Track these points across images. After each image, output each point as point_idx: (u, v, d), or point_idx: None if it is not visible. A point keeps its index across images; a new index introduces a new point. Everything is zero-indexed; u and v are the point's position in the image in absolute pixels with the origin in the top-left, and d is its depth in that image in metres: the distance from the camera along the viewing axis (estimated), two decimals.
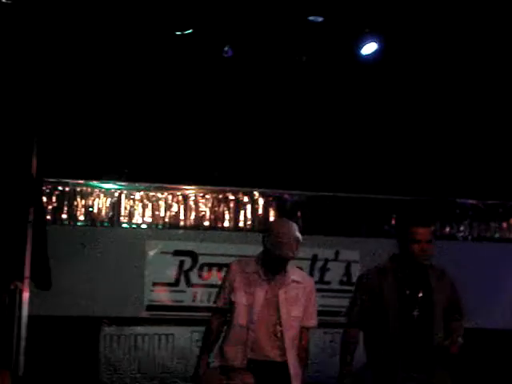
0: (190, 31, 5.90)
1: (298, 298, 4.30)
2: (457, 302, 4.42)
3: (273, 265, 4.28)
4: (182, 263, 7.17)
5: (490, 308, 7.07)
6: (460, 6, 5.62)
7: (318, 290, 7.30)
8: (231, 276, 4.35)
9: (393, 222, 7.54)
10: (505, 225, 7.78)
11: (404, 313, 4.24)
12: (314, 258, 7.40)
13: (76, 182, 7.06)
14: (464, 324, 4.40)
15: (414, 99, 6.72)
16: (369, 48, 6.20)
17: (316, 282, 7.35)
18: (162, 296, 7.08)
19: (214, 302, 4.54)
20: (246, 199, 7.45)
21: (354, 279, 7.47)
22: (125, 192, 7.16)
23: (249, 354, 4.21)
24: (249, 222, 7.44)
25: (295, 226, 4.33)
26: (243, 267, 4.37)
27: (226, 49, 6.05)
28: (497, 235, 7.78)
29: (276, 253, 4.22)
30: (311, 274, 7.34)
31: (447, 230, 7.63)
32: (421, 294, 4.27)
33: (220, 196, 7.40)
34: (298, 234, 4.28)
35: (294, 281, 4.33)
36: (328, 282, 7.42)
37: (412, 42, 6.07)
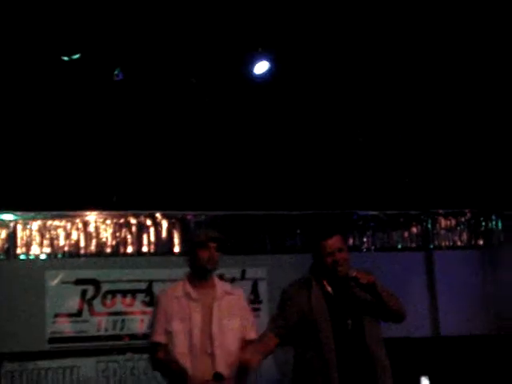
0: (77, 56, 5.75)
1: (233, 310, 4.24)
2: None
3: (200, 280, 4.24)
4: (84, 292, 7.01)
5: None
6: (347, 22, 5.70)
7: None
8: (162, 306, 4.23)
9: (297, 237, 7.58)
10: (406, 234, 7.93)
11: (337, 324, 4.17)
12: (220, 278, 7.32)
13: None
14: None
15: (309, 114, 6.76)
16: (261, 67, 6.18)
17: None
18: (65, 327, 6.88)
19: (147, 339, 4.38)
20: (148, 222, 7.35)
21: (262, 297, 7.52)
22: (20, 222, 6.94)
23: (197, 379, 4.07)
24: (152, 246, 7.33)
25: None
26: (171, 294, 4.27)
27: (116, 72, 5.92)
28: (399, 245, 7.92)
29: (203, 264, 4.19)
30: None
31: (350, 241, 7.70)
32: (351, 301, 4.19)
33: (121, 220, 7.27)
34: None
35: (225, 292, 4.30)
36: None
37: (303, 60, 6.10)
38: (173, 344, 4.12)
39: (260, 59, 6.16)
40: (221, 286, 4.33)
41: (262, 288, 7.41)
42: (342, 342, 4.08)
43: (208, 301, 4.19)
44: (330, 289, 4.20)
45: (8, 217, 6.92)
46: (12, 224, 6.91)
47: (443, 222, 7.99)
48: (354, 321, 4.13)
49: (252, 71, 6.20)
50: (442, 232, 7.97)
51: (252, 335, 4.28)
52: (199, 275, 4.25)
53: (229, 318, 4.20)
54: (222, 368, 4.09)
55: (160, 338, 4.17)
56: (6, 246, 6.86)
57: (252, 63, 6.17)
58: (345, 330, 4.09)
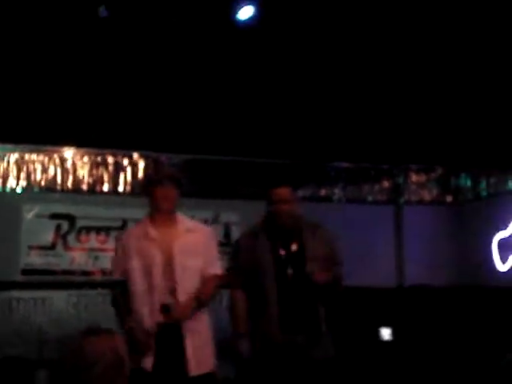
0: None
1: (196, 248, 4.13)
2: (333, 253, 4.48)
3: (160, 219, 4.16)
4: (59, 227, 7.09)
5: (362, 267, 7.32)
6: None
7: None
8: (121, 244, 4.23)
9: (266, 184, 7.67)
10: (377, 187, 8.08)
11: (279, 272, 4.31)
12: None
13: None
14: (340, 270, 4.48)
15: (291, 63, 6.80)
16: (245, 12, 6.21)
17: None
18: (38, 260, 6.97)
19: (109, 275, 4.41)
20: (125, 162, 7.40)
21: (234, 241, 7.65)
22: None
23: (155, 318, 4.04)
24: (128, 186, 7.40)
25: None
26: (131, 233, 4.30)
27: (101, 9, 5.93)
28: (369, 198, 8.07)
29: (158, 203, 4.13)
30: None
31: (322, 192, 7.85)
32: (294, 251, 4.34)
33: (98, 159, 7.32)
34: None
35: (187, 230, 4.19)
36: None
37: (288, 6, 6.11)
38: (131, 282, 4.10)
39: (245, 4, 6.18)
40: (183, 224, 4.22)
41: (235, 232, 7.54)
42: (283, 291, 4.26)
43: (168, 240, 4.11)
44: (273, 238, 4.36)
45: None
46: None
47: (414, 177, 8.16)
48: (297, 269, 4.29)
49: (237, 16, 6.22)
50: (413, 187, 8.14)
51: (212, 270, 4.19)
52: (158, 214, 4.18)
53: (192, 257, 4.11)
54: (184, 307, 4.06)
55: (118, 275, 4.18)
56: None
57: (237, 8, 6.19)
58: (285, 280, 4.27)
